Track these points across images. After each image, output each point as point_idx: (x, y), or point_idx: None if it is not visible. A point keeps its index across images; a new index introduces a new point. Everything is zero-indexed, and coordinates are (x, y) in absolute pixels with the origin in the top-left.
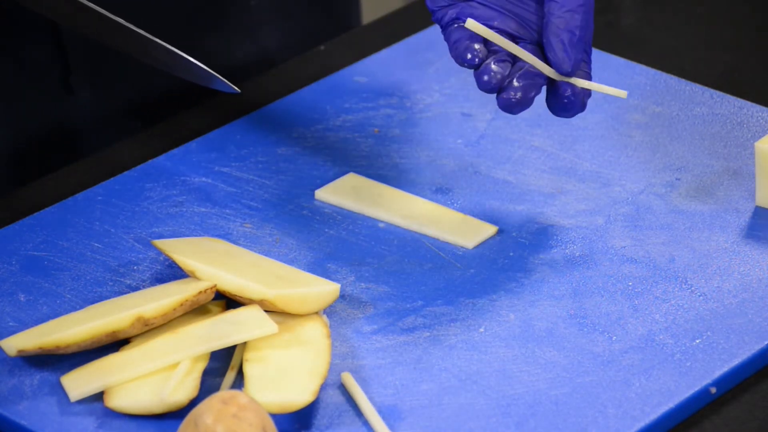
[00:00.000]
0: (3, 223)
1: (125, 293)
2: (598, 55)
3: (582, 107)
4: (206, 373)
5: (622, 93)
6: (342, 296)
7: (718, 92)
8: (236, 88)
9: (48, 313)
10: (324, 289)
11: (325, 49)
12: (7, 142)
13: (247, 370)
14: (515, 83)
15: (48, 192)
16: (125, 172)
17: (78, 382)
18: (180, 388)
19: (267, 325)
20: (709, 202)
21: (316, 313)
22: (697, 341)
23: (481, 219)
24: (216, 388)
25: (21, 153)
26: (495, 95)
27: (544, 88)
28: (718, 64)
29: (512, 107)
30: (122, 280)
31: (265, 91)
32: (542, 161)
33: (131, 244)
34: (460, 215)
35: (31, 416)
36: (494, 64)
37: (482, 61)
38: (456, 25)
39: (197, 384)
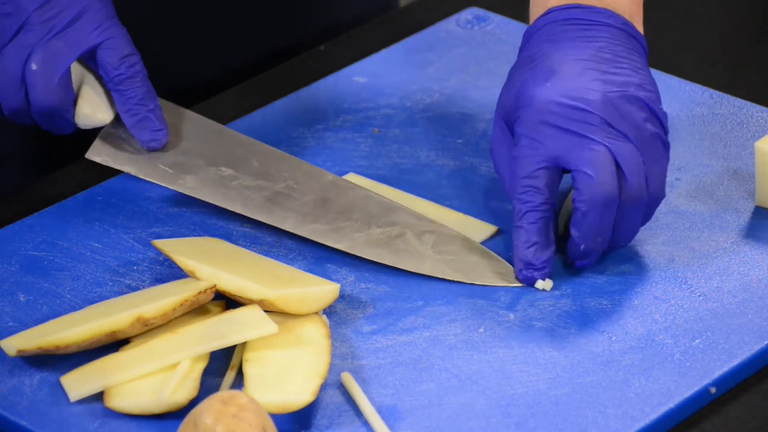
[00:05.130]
0: (3, 223)
1: (125, 293)
2: None
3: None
4: (206, 373)
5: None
6: (342, 296)
7: (718, 92)
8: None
9: (48, 313)
10: (324, 289)
11: (325, 49)
12: (8, 142)
13: (247, 370)
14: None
15: (48, 192)
16: (125, 172)
17: (78, 382)
18: (180, 388)
19: (267, 325)
20: (709, 202)
21: (316, 313)
22: (697, 341)
23: (481, 219)
24: (216, 388)
25: (21, 153)
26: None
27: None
28: (718, 64)
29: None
30: (122, 280)
31: (265, 91)
32: None
33: (131, 244)
34: (459, 215)
35: (31, 416)
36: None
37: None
38: None
39: (197, 384)
